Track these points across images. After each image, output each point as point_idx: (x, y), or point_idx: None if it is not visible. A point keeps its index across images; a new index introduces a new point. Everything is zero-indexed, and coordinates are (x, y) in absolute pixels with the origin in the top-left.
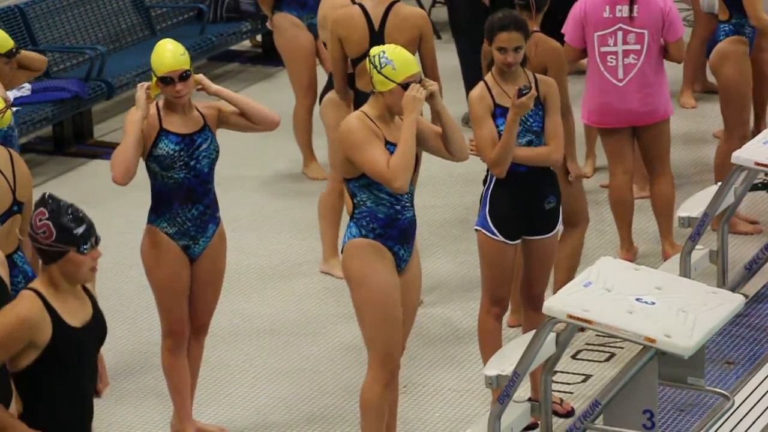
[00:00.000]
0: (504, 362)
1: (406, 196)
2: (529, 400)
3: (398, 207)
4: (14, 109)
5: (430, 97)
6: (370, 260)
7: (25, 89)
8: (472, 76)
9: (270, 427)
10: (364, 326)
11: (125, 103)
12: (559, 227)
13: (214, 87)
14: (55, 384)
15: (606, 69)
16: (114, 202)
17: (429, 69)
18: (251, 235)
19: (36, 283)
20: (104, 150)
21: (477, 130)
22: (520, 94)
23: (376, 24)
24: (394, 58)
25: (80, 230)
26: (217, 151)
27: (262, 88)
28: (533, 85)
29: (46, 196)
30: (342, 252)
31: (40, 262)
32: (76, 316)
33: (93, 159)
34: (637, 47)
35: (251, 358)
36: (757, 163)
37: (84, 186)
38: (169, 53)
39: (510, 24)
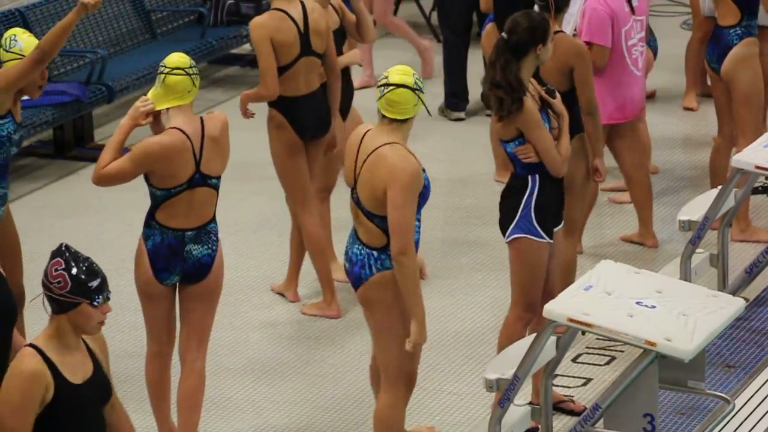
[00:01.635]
0: (504, 366)
1: (419, 216)
2: (530, 404)
3: (418, 230)
4: None
5: None
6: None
7: None
8: (450, 62)
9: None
10: (388, 349)
11: (126, 106)
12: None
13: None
14: None
15: (632, 62)
16: (113, 205)
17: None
18: (252, 237)
19: (38, 339)
20: None
21: (540, 133)
22: (552, 94)
23: (302, 26)
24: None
25: (95, 283)
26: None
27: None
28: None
29: (63, 247)
30: (367, 282)
31: (49, 312)
32: (76, 372)
33: (93, 162)
34: (642, 34)
35: (252, 362)
36: (758, 167)
37: (84, 189)
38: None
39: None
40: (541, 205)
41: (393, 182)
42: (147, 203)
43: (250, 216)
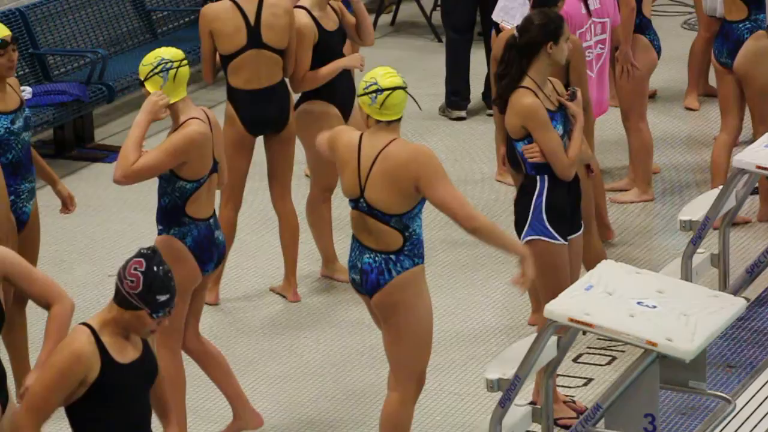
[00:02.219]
0: (505, 366)
1: None
2: (531, 403)
3: (419, 229)
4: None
5: None
6: (423, 288)
7: (27, 92)
8: (452, 61)
9: (270, 431)
10: (406, 348)
11: (126, 106)
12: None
13: None
14: (102, 421)
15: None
16: (114, 205)
17: (291, 50)
18: (252, 237)
19: (93, 318)
20: (105, 153)
21: (546, 134)
22: (573, 96)
23: (252, 18)
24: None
25: (163, 298)
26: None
27: None
28: (556, 90)
29: (152, 251)
30: (387, 286)
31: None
32: (125, 353)
33: (94, 162)
34: (604, 36)
35: (252, 362)
36: (759, 167)
37: (85, 189)
38: None
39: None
40: (552, 206)
41: (425, 168)
42: (146, 203)
43: (250, 215)
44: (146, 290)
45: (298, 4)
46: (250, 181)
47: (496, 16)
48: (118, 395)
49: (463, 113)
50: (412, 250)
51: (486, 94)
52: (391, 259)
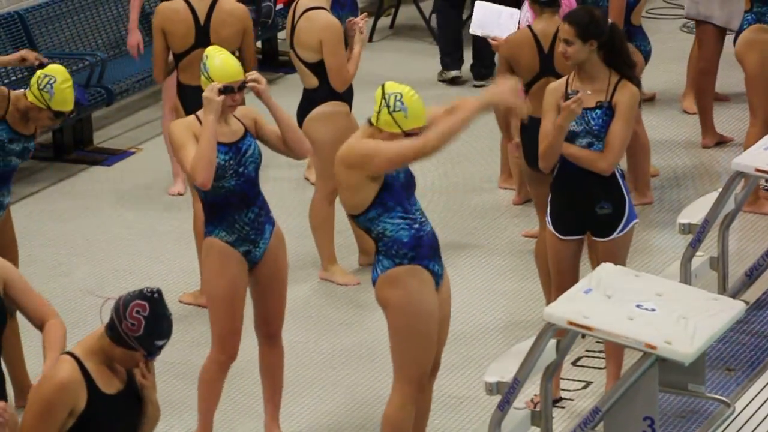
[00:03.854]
0: (504, 369)
1: (417, 211)
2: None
3: (417, 226)
4: None
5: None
6: (410, 288)
7: None
8: (444, 27)
9: None
10: (401, 350)
11: (125, 109)
12: (620, 235)
13: (268, 96)
14: None
15: None
16: (113, 208)
17: (248, 61)
18: None
19: (78, 346)
20: (104, 156)
21: (542, 120)
22: (566, 97)
23: (202, 19)
24: (409, 107)
25: (161, 343)
26: (261, 154)
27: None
28: (609, 89)
29: (157, 294)
30: (375, 284)
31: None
32: (111, 383)
33: (93, 165)
34: None
35: (253, 364)
36: (758, 170)
37: (84, 192)
38: (234, 62)
39: (566, 16)
40: (552, 200)
41: (351, 148)
42: (144, 206)
43: None
44: (147, 335)
45: (315, 5)
46: None
47: (473, 31)
48: (104, 426)
49: (457, 72)
50: (389, 251)
51: (474, 65)
52: (377, 257)
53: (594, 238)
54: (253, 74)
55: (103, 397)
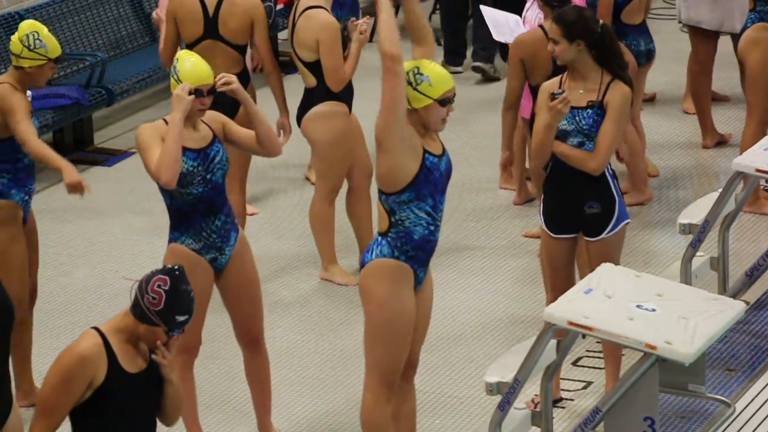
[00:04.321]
0: (505, 369)
1: (440, 213)
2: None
3: (432, 228)
4: None
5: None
6: (396, 284)
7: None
8: (448, 21)
9: None
10: (374, 346)
11: (126, 109)
12: (609, 235)
13: (242, 91)
14: (104, 428)
15: None
16: (114, 209)
17: (263, 56)
18: (250, 241)
19: (106, 324)
20: (104, 157)
21: (536, 118)
22: (552, 97)
23: (211, 10)
24: (430, 74)
25: (182, 319)
26: (228, 161)
27: (262, 96)
28: (600, 89)
29: (179, 270)
30: (364, 267)
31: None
32: (133, 362)
33: (93, 166)
34: None
35: None
36: (758, 170)
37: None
38: (205, 66)
39: (554, 15)
40: (544, 197)
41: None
42: (146, 207)
43: (248, 220)
44: (167, 309)
45: (315, 4)
46: (247, 186)
47: (497, 38)
48: (122, 403)
49: (459, 68)
50: (397, 241)
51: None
52: (377, 239)
53: (585, 238)
54: (223, 77)
55: (123, 374)
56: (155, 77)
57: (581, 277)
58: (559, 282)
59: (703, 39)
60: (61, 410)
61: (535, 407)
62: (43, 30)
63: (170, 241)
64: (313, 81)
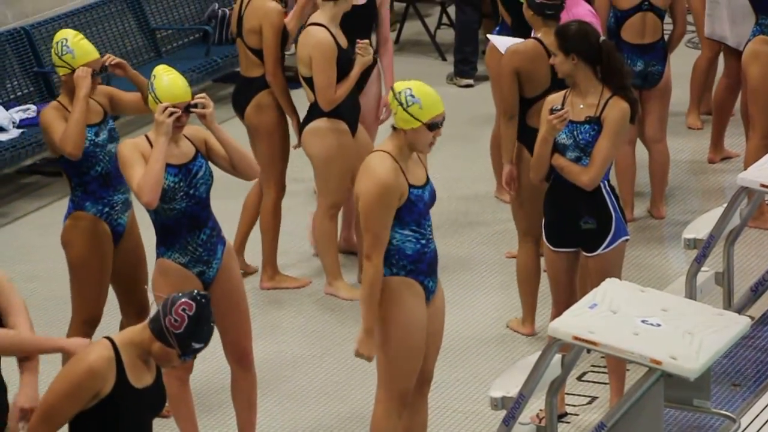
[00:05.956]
0: (509, 384)
1: (428, 227)
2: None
3: (423, 241)
4: (19, 130)
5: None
6: (403, 299)
7: (31, 110)
8: (462, 30)
9: None
10: (386, 361)
11: (131, 124)
12: (606, 251)
13: (211, 121)
14: None
15: None
16: None
17: (266, 63)
18: (252, 253)
19: (120, 335)
20: None
21: (540, 130)
22: (551, 112)
23: (242, 9)
24: (422, 97)
25: (198, 346)
26: (212, 176)
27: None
28: (599, 105)
29: (206, 299)
30: None
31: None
32: (141, 377)
33: None
34: None
35: (257, 380)
36: (763, 185)
37: None
38: (181, 83)
39: (555, 29)
40: (545, 210)
41: (361, 189)
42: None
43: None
44: (187, 335)
45: (315, 21)
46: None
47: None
48: (124, 418)
49: (471, 81)
50: (391, 259)
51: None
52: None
53: (583, 253)
54: (200, 98)
55: (129, 389)
56: None
57: (580, 293)
58: (561, 296)
59: (729, 54)
60: (62, 418)
61: (540, 422)
62: (75, 36)
63: (158, 256)
64: (312, 96)
